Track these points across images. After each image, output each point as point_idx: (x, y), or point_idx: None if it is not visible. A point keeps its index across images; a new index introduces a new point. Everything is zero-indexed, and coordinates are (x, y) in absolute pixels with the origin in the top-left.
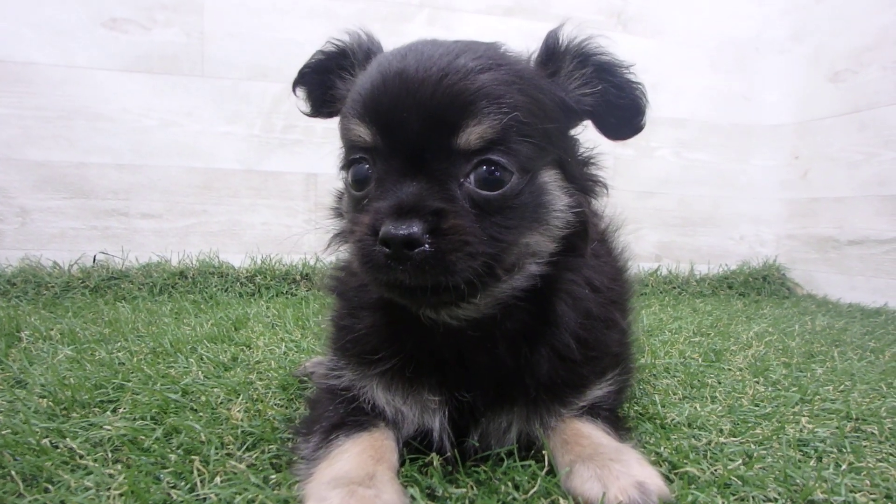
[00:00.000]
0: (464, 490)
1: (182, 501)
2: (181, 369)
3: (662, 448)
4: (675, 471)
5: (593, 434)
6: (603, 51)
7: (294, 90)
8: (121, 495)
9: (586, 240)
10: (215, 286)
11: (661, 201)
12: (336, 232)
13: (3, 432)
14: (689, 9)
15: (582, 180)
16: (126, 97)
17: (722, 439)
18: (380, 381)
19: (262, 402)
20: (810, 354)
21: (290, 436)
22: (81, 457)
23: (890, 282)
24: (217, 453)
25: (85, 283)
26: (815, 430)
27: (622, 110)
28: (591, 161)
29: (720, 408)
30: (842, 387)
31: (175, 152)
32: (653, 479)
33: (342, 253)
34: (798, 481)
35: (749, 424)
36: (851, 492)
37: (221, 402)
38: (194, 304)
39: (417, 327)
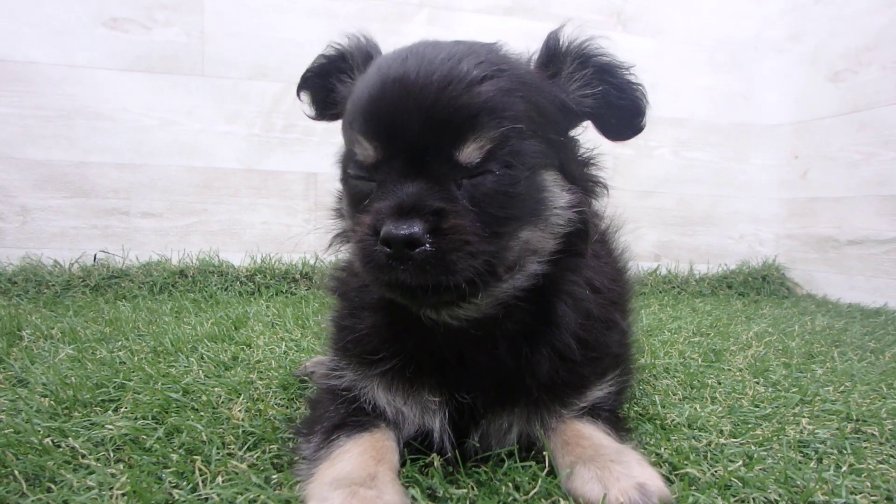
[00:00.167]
0: (464, 491)
1: (184, 501)
2: (182, 368)
3: (663, 449)
4: (676, 472)
5: (594, 435)
6: (603, 52)
7: (298, 95)
8: (123, 495)
9: (587, 239)
10: (215, 285)
11: (660, 201)
12: (337, 232)
13: (6, 432)
14: (689, 8)
15: (582, 180)
16: (126, 96)
17: (722, 440)
18: (380, 382)
19: (262, 401)
20: (810, 355)
21: (291, 436)
22: (84, 456)
23: (889, 282)
24: (218, 453)
25: (85, 282)
26: (816, 431)
27: (622, 111)
28: (592, 162)
29: (720, 408)
30: (842, 388)
31: (175, 151)
32: (653, 480)
33: (343, 253)
34: (799, 483)
35: (749, 425)
36: (852, 493)
37: (222, 402)
38: (194, 303)
39: (418, 328)
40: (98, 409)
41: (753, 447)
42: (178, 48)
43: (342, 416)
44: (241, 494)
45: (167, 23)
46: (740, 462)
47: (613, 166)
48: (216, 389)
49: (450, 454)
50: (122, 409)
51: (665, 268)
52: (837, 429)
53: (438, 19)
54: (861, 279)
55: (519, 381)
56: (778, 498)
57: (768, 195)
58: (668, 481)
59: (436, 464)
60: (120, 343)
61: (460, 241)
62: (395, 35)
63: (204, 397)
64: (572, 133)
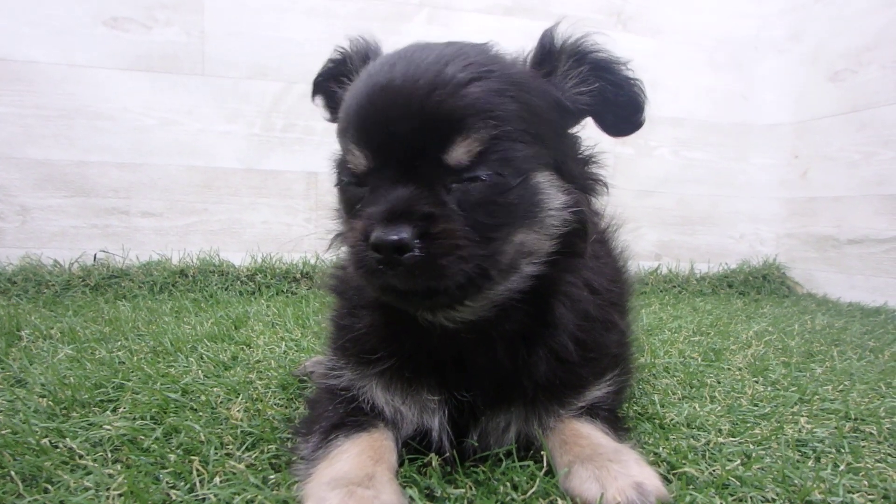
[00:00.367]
0: (462, 490)
1: (181, 502)
2: (181, 368)
3: (661, 448)
4: (674, 471)
5: (592, 434)
6: (599, 48)
7: (313, 99)
8: (120, 495)
9: (585, 239)
10: (216, 285)
11: (660, 200)
12: (338, 232)
13: (3, 432)
14: (689, 8)
15: (581, 179)
16: (126, 96)
17: (721, 439)
18: (379, 381)
19: (261, 401)
20: (810, 354)
21: (289, 436)
22: (81, 457)
23: (889, 281)
24: (216, 453)
25: (85, 282)
26: (814, 430)
27: (621, 107)
28: (593, 160)
29: (719, 407)
30: (841, 386)
31: (175, 151)
32: (651, 479)
33: (343, 252)
34: (796, 482)
35: (748, 424)
36: (849, 492)
37: (221, 402)
38: (195, 302)
39: (416, 327)
40: (96, 409)
41: (752, 446)
42: (179, 48)
43: (340, 415)
44: (239, 494)
45: (167, 22)
46: (738, 461)
47: (614, 165)
48: (215, 389)
49: (448, 454)
50: (121, 410)
51: (666, 267)
52: (836, 428)
53: (438, 19)
54: (861, 278)
55: (517, 382)
56: (775, 497)
57: (768, 195)
58: (666, 480)
59: (434, 463)
60: (119, 343)
61: (450, 245)
62: (394, 35)
63: (203, 397)
64: (573, 130)
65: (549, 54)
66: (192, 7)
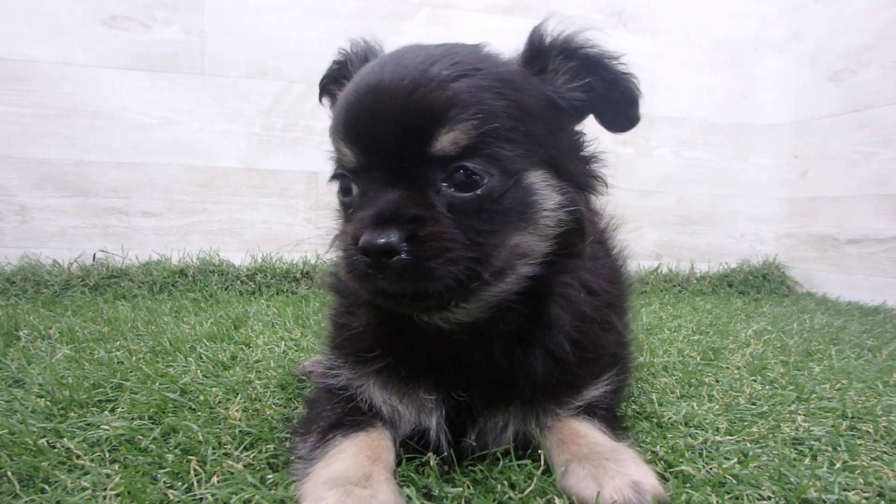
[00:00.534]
0: (460, 489)
1: (179, 501)
2: (180, 368)
3: (658, 447)
4: (671, 469)
5: (589, 433)
6: (589, 44)
7: (320, 101)
8: (117, 495)
9: (583, 238)
10: (215, 284)
11: (660, 200)
12: (336, 233)
13: (0, 432)
14: (689, 8)
15: (578, 177)
16: (126, 95)
17: (718, 438)
18: (376, 380)
19: (260, 401)
20: (808, 353)
21: (287, 435)
22: (78, 457)
23: (888, 280)
24: (214, 453)
25: (84, 282)
26: (811, 428)
27: (615, 102)
28: (594, 159)
29: (717, 406)
30: (838, 385)
31: (175, 150)
32: (648, 478)
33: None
34: (792, 480)
35: (745, 423)
36: (845, 490)
37: (220, 402)
38: (194, 302)
39: (412, 327)
40: (94, 409)
41: (749, 444)
42: (178, 47)
43: (338, 415)
44: (237, 494)
45: (167, 21)
46: (735, 459)
47: (614, 165)
48: (214, 389)
49: (446, 453)
50: (119, 410)
51: (666, 266)
52: (832, 426)
53: (438, 18)
54: (860, 278)
55: (514, 382)
56: (771, 494)
57: (768, 194)
58: (663, 479)
59: (432, 463)
60: (118, 343)
61: (438, 247)
62: (394, 34)
63: (201, 397)
64: (575, 128)
65: (540, 51)
66: (192, 6)
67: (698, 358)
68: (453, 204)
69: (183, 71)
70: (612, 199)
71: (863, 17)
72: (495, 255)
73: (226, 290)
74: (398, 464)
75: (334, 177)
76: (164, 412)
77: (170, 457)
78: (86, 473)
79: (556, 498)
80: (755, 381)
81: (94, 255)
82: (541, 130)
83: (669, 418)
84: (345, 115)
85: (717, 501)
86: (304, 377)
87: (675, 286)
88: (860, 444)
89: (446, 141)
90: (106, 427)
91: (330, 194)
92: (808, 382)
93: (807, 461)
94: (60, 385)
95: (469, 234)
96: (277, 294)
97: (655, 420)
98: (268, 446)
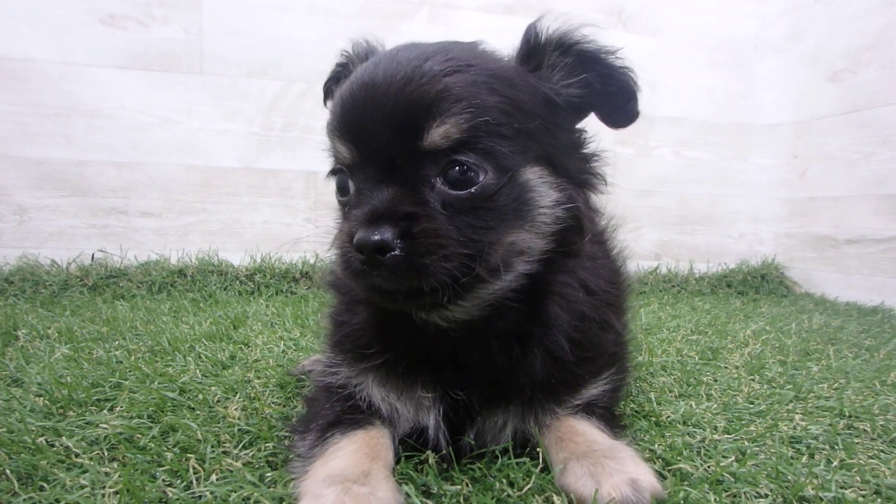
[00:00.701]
0: (458, 487)
1: (177, 499)
2: (179, 368)
3: (657, 445)
4: (669, 467)
5: (588, 431)
6: (586, 39)
7: (325, 104)
8: (116, 493)
9: (581, 235)
10: (214, 284)
11: (660, 200)
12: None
13: None
14: (689, 8)
15: (578, 174)
16: (124, 94)
17: (716, 436)
18: (374, 377)
19: (259, 400)
20: (806, 352)
21: (286, 434)
22: (77, 455)
23: (887, 280)
24: (213, 451)
25: (83, 282)
26: (809, 427)
27: (613, 97)
28: (594, 157)
29: (715, 405)
30: (836, 384)
31: (174, 150)
32: (646, 476)
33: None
34: (790, 478)
35: (743, 422)
36: (842, 488)
37: (219, 401)
38: (193, 302)
39: (410, 325)
40: (93, 408)
41: (746, 443)
42: (177, 45)
43: (337, 413)
44: (235, 492)
45: (165, 20)
46: (733, 458)
47: (614, 165)
48: (213, 388)
49: (445, 451)
50: (118, 409)
51: (665, 267)
52: (830, 425)
53: (438, 17)
54: (859, 278)
55: (513, 380)
56: (769, 492)
57: (768, 195)
58: (661, 477)
59: (430, 461)
60: (117, 343)
61: (432, 244)
62: (394, 34)
63: (200, 396)
64: (575, 126)
65: (535, 48)
66: (191, 5)
67: (697, 357)
68: (448, 201)
69: (182, 70)
70: (612, 199)
71: (863, 17)
72: (491, 253)
73: (225, 290)
74: (397, 462)
75: (332, 172)
76: (162, 411)
77: (169, 455)
78: (84, 472)
79: (554, 496)
80: (753, 380)
81: (93, 254)
82: (536, 127)
83: (668, 417)
84: (339, 112)
85: (715, 499)
86: (302, 376)
87: (674, 286)
88: (857, 443)
89: (437, 134)
90: (105, 426)
91: (329, 194)
92: (805, 382)
93: (804, 459)
94: (59, 384)
95: (464, 231)
96: (276, 294)
97: (654, 419)
98: (267, 444)
